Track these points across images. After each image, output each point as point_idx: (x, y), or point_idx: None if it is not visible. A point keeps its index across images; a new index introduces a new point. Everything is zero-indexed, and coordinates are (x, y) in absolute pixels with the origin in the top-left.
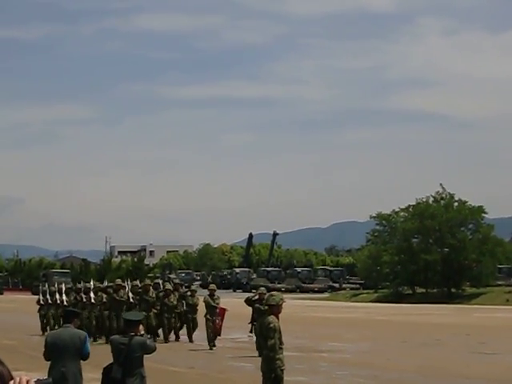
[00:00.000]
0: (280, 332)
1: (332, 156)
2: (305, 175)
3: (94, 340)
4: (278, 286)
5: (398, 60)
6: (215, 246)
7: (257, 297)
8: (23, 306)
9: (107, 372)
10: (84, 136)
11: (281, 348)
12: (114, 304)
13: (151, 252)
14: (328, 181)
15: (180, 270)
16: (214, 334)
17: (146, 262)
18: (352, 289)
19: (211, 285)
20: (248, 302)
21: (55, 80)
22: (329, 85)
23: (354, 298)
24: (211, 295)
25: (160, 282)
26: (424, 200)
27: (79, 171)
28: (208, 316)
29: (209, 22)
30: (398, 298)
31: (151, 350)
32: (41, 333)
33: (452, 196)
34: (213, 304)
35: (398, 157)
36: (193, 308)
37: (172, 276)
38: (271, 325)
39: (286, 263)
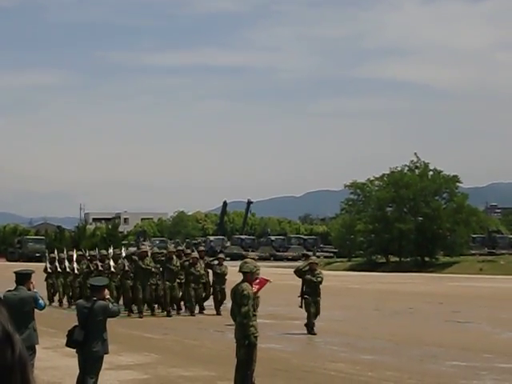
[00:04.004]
0: (254, 299)
1: (306, 125)
2: (279, 144)
3: None
4: (252, 253)
5: (374, 29)
6: (189, 213)
7: (307, 267)
8: None
9: (70, 334)
10: (58, 103)
11: (254, 315)
12: (140, 273)
13: (125, 219)
14: (302, 150)
15: (154, 237)
16: None
17: (121, 229)
18: (326, 257)
19: (248, 253)
20: (298, 272)
21: (29, 47)
22: (304, 53)
23: (328, 266)
24: None
25: (183, 248)
26: (399, 169)
27: (53, 138)
28: None
29: None
30: (371, 267)
31: (114, 314)
32: (47, 303)
33: (427, 165)
34: None
35: (373, 126)
36: (221, 278)
37: (147, 243)
38: (245, 292)
39: (260, 231)
